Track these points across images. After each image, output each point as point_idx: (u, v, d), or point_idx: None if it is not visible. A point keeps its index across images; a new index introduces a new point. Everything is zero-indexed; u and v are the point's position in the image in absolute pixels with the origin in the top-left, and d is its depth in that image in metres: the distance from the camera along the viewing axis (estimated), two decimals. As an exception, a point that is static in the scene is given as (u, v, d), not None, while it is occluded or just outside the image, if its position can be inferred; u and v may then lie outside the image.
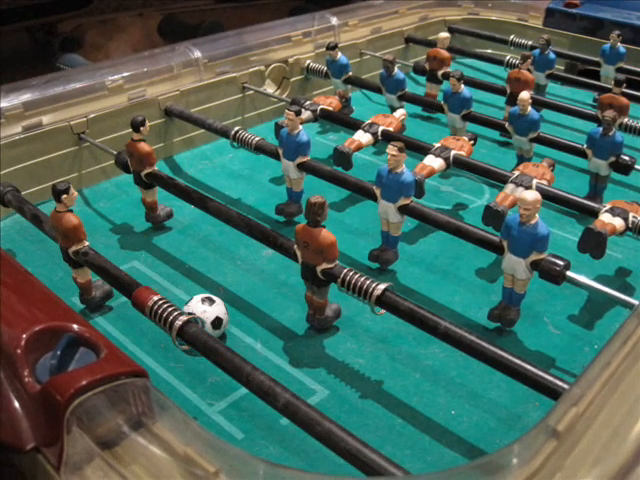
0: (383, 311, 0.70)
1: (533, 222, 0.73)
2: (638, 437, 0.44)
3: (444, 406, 0.70)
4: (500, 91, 1.30)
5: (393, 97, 1.28)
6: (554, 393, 0.58)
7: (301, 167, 0.97)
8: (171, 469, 0.46)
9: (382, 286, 0.70)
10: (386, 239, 0.90)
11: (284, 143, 0.97)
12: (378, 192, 0.87)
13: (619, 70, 1.37)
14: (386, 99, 1.31)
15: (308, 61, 1.40)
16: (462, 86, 1.14)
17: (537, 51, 1.37)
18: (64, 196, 0.77)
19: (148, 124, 0.94)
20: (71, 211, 0.78)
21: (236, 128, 1.07)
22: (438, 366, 0.75)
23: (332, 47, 1.32)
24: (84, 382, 0.47)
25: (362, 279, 0.71)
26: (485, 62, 1.56)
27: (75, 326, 0.55)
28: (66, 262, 0.81)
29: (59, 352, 0.52)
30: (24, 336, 0.53)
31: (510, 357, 0.62)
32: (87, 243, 0.79)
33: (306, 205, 0.73)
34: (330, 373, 0.74)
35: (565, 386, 0.58)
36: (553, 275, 0.73)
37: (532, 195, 0.73)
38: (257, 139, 1.03)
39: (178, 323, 0.65)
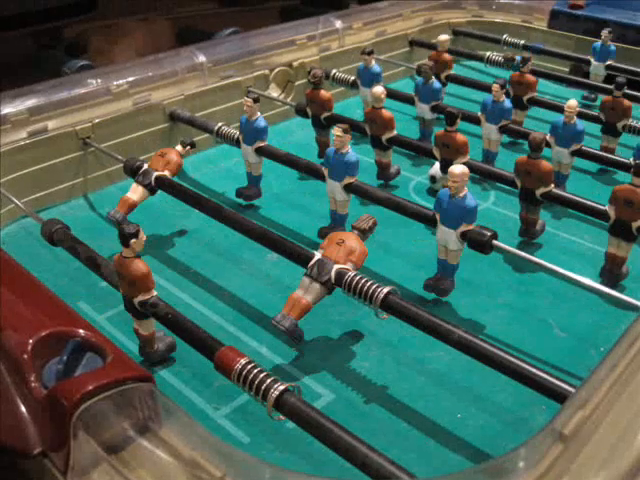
0: (387, 315, 0.71)
1: (462, 195, 0.78)
2: (645, 440, 0.44)
3: (450, 410, 0.70)
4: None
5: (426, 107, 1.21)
6: (560, 396, 0.58)
7: (259, 152, 1.03)
8: (177, 473, 0.46)
9: (386, 289, 0.70)
10: (334, 218, 0.97)
11: (243, 129, 1.03)
12: (326, 172, 0.93)
13: (609, 68, 1.39)
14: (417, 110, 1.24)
15: (334, 70, 1.36)
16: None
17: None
18: (133, 240, 0.68)
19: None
20: (139, 257, 0.70)
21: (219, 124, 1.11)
22: (443, 370, 0.75)
23: (368, 52, 1.27)
24: (90, 387, 0.48)
25: (368, 284, 0.71)
26: (488, 64, 1.55)
27: (81, 331, 0.55)
28: (128, 312, 0.73)
29: (65, 357, 0.52)
30: (31, 341, 0.54)
31: (516, 360, 0.62)
32: (155, 293, 0.71)
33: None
34: (335, 377, 0.74)
35: (571, 389, 0.58)
36: (480, 244, 0.78)
37: (459, 169, 0.77)
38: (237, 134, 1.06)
39: (275, 393, 0.58)
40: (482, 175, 1.02)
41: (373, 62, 1.27)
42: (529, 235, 0.95)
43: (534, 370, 0.61)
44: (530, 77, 1.24)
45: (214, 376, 0.66)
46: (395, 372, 0.74)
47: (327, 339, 0.79)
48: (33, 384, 0.51)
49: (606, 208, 0.85)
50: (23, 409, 0.50)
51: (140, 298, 0.70)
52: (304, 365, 0.76)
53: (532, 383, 0.61)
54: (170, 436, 0.48)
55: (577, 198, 0.90)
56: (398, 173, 1.13)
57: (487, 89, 1.30)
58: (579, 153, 1.05)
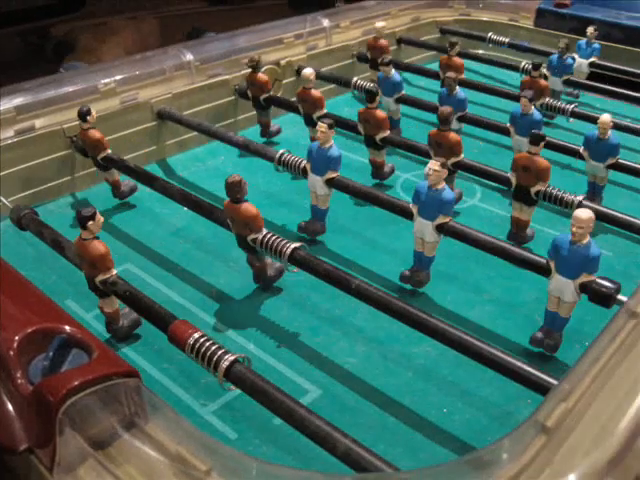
0: (297, 269, 0.78)
1: (585, 242, 0.70)
2: (626, 431, 0.45)
3: (436, 404, 0.70)
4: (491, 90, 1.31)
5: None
6: (544, 390, 0.59)
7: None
8: (164, 468, 0.46)
9: (293, 245, 0.77)
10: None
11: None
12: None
13: (592, 65, 1.41)
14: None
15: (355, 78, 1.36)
16: (532, 108, 1.04)
17: (555, 56, 1.36)
18: (90, 222, 0.71)
19: (94, 113, 1.02)
20: (97, 238, 0.73)
21: (281, 151, 1.00)
22: (430, 365, 0.75)
23: (387, 63, 1.24)
24: (76, 383, 0.48)
25: (277, 240, 0.78)
26: (475, 62, 1.56)
27: (67, 328, 0.55)
28: (92, 291, 0.76)
29: (51, 353, 0.52)
30: (17, 338, 0.54)
31: (500, 354, 0.62)
32: (115, 272, 0.75)
33: (225, 185, 0.79)
34: (323, 372, 0.74)
35: (554, 382, 0.58)
36: (604, 297, 0.70)
37: (586, 213, 0.70)
38: (304, 163, 0.96)
39: (224, 364, 0.61)
40: (475, 174, 1.01)
41: (393, 71, 1.25)
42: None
43: (518, 363, 0.61)
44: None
45: (201, 373, 0.67)
46: (382, 367, 0.75)
47: (314, 335, 0.79)
48: (19, 380, 0.51)
49: (508, 175, 0.91)
50: (9, 405, 0.50)
51: (101, 277, 0.74)
52: (291, 361, 0.76)
53: (516, 376, 0.61)
54: (156, 431, 0.48)
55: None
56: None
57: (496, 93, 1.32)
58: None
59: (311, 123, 1.18)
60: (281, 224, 1.01)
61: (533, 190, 0.90)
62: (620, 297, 0.70)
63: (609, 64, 1.39)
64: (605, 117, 0.99)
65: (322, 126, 0.90)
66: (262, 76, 1.23)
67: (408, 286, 0.87)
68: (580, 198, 0.88)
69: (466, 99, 1.18)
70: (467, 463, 0.45)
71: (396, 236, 0.98)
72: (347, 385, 0.72)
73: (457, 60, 1.30)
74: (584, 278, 0.71)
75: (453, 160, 0.98)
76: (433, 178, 0.80)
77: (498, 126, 1.14)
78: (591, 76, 1.39)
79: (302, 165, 0.95)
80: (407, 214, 0.85)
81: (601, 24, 1.47)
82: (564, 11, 1.58)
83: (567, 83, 1.37)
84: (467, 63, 1.53)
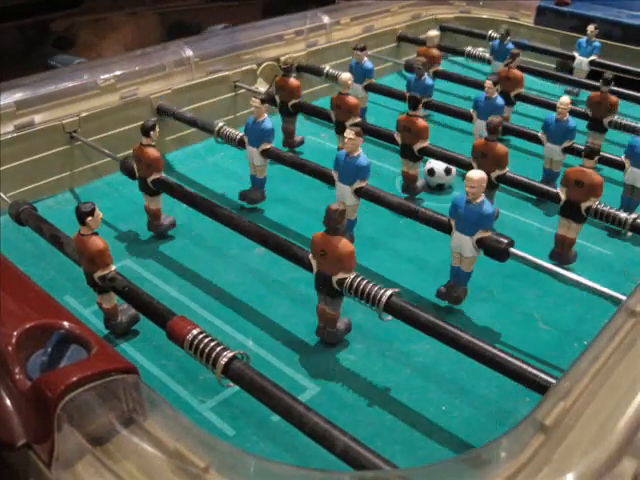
0: (390, 317, 0.69)
1: (479, 200, 0.76)
2: (624, 430, 0.45)
3: (435, 402, 0.70)
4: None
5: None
6: (543, 388, 0.59)
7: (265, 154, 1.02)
8: (162, 465, 0.46)
9: (389, 292, 0.69)
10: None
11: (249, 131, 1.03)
12: (336, 175, 0.91)
13: (592, 63, 1.42)
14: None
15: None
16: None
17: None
18: (89, 218, 0.71)
19: (158, 129, 0.92)
20: (96, 234, 0.73)
21: (220, 124, 1.10)
22: (429, 362, 0.75)
23: (361, 48, 1.27)
24: (74, 378, 0.48)
25: (370, 285, 0.70)
26: (475, 60, 1.56)
27: (66, 323, 0.55)
28: (90, 287, 0.76)
29: (50, 349, 0.52)
30: (15, 333, 0.53)
31: (499, 353, 0.62)
32: (114, 267, 0.74)
33: (325, 212, 0.71)
34: (321, 370, 0.74)
35: (553, 381, 0.58)
36: (498, 251, 0.76)
37: (478, 174, 0.76)
38: (240, 135, 1.04)
39: (223, 360, 0.61)
40: (521, 189, 0.97)
41: (365, 58, 1.28)
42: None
43: (517, 362, 0.61)
44: (517, 72, 1.24)
45: (200, 369, 0.67)
46: (381, 365, 0.75)
47: (312, 332, 0.79)
48: (17, 376, 0.51)
49: (558, 190, 0.87)
50: (7, 401, 0.50)
51: (99, 273, 0.74)
52: (289, 358, 0.76)
53: (515, 375, 0.61)
54: (154, 428, 0.48)
55: (530, 181, 0.92)
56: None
57: (474, 84, 1.32)
58: (571, 150, 1.03)
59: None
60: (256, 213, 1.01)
61: (584, 206, 0.85)
62: (514, 251, 0.76)
63: (609, 62, 1.39)
64: (564, 98, 1.01)
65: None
66: (294, 81, 1.17)
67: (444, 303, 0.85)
68: (634, 216, 0.83)
69: (433, 85, 1.23)
70: (465, 461, 0.45)
71: (431, 250, 0.95)
72: (345, 382, 0.72)
73: (516, 72, 1.25)
74: (480, 234, 0.77)
75: (497, 173, 0.92)
76: (349, 145, 0.86)
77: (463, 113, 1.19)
78: (591, 74, 1.40)
79: (238, 137, 1.04)
80: (445, 228, 0.81)
81: (602, 22, 1.47)
82: (565, 9, 1.58)
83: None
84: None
